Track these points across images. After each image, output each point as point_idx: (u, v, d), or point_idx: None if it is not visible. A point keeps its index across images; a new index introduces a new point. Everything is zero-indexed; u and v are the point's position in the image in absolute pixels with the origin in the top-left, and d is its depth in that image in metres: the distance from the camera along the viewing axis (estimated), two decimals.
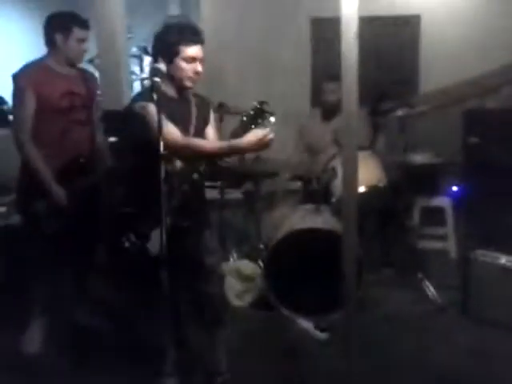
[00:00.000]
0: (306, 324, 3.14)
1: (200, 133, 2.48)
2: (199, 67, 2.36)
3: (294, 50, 5.37)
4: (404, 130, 3.64)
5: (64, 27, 2.82)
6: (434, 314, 3.27)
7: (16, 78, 2.82)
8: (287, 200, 3.89)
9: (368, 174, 3.43)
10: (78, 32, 2.83)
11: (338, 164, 3.39)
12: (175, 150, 2.25)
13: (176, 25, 2.44)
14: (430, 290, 3.42)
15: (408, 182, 3.68)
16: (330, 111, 3.97)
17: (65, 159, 2.86)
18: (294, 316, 3.20)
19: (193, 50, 2.32)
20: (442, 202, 4.14)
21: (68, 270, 3.04)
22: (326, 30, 5.08)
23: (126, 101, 5.89)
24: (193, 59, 2.33)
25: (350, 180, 1.97)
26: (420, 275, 3.52)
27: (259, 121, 2.24)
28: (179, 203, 2.30)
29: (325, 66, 5.01)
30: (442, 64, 5.00)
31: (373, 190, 3.40)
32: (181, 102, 2.43)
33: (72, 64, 2.93)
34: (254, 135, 2.22)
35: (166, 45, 2.32)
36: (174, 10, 9.38)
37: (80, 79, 2.98)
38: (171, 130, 2.26)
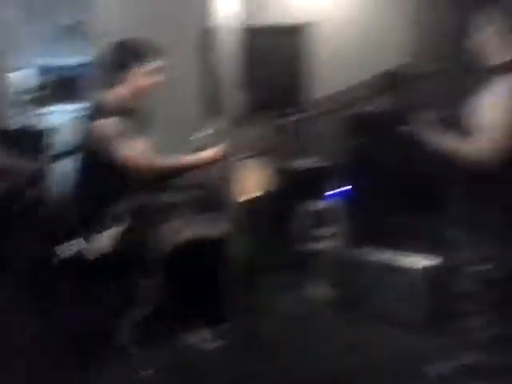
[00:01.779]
0: (199, 334, 3.14)
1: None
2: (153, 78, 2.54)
3: (184, 59, 5.38)
4: (293, 136, 3.75)
5: None
6: (324, 312, 3.39)
7: None
8: (183, 210, 3.87)
9: (259, 180, 3.50)
10: None
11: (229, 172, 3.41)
12: (138, 172, 2.48)
13: (136, 39, 2.58)
14: (318, 290, 3.54)
15: (297, 186, 3.80)
16: (238, 119, 4.04)
17: None
18: (188, 326, 3.18)
19: (151, 65, 2.52)
20: (330, 203, 4.29)
21: None
22: (213, 39, 5.16)
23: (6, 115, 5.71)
24: (156, 70, 2.55)
25: (234, 187, 2.01)
26: (310, 276, 3.64)
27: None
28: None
29: (214, 75, 5.07)
30: (330, 71, 5.22)
31: (263, 195, 3.47)
32: (130, 112, 2.56)
33: None
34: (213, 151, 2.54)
35: (122, 61, 2.48)
36: (67, 20, 9.10)
37: None
38: (134, 150, 2.44)
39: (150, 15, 5.37)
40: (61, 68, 8.15)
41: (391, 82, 4.08)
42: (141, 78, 2.52)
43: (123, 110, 2.50)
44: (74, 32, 8.84)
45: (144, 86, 2.55)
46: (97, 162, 2.48)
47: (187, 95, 5.36)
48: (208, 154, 2.56)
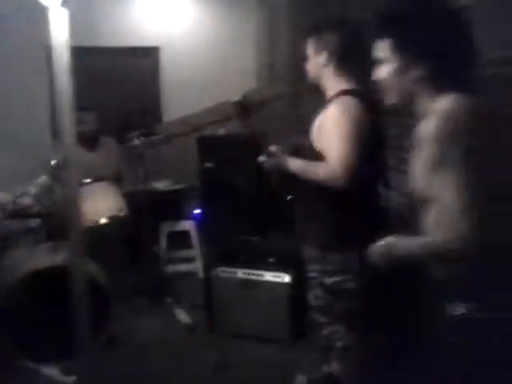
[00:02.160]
0: (50, 371, 2.93)
1: None
2: None
3: (31, 80, 5.09)
4: (143, 159, 3.71)
5: None
6: (185, 335, 3.37)
7: None
8: (24, 240, 3.61)
9: (108, 204, 3.40)
10: None
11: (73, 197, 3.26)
12: None
13: None
14: (180, 312, 3.51)
15: (151, 209, 3.75)
16: (85, 141, 3.89)
17: None
18: (38, 365, 2.95)
19: None
20: (186, 225, 4.32)
21: None
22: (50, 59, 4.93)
23: None
24: None
25: (73, 213, 1.89)
26: (170, 299, 3.59)
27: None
28: None
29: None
30: (182, 94, 5.26)
31: (114, 220, 3.38)
32: None
33: None
34: None
35: None
36: None
37: None
38: None
39: None
40: None
41: (238, 108, 4.20)
42: None
43: None
44: None
45: None
46: None
47: (35, 117, 5.07)
48: None
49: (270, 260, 3.32)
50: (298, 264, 3.12)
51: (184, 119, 5.00)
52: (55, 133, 5.01)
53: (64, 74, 1.79)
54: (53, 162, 2.66)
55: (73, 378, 2.85)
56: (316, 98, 2.48)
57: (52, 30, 1.71)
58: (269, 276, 3.23)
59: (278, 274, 3.22)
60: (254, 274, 3.26)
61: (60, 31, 1.74)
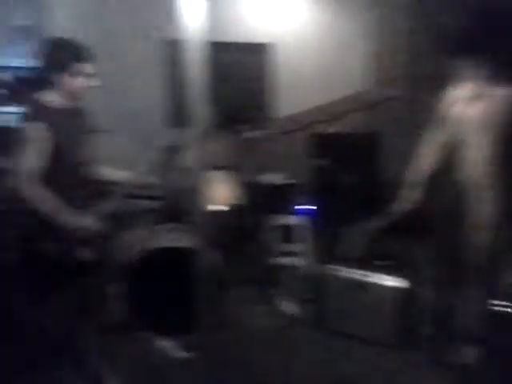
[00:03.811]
0: (166, 345, 3.08)
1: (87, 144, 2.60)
2: (90, 81, 2.51)
3: (150, 70, 5.35)
4: (257, 152, 3.78)
5: None
6: (289, 327, 3.40)
7: None
8: (145, 219, 3.81)
9: (225, 193, 3.50)
10: None
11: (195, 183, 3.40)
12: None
13: (69, 40, 2.50)
14: (285, 304, 3.56)
15: (263, 201, 3.82)
16: (205, 133, 4.04)
17: None
18: (154, 337, 3.12)
19: (87, 66, 2.48)
20: (295, 220, 4.35)
21: None
22: (180, 52, 5.16)
23: None
24: (87, 73, 2.48)
25: (200, 199, 1.99)
26: (275, 291, 3.65)
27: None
28: None
29: (180, 87, 5.07)
30: (293, 91, 5.31)
31: (230, 209, 3.48)
32: (69, 113, 2.49)
33: None
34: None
35: (64, 59, 2.42)
36: (21, 21, 8.85)
37: None
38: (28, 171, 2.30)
39: (116, 26, 5.30)
40: (13, 69, 7.88)
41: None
42: (76, 79, 2.47)
43: (58, 112, 2.46)
44: (26, 33, 8.61)
45: (79, 87, 2.50)
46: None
47: (151, 106, 5.32)
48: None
49: (381, 262, 3.28)
50: (410, 268, 3.07)
51: (295, 116, 5.05)
52: (174, 122, 5.22)
53: (198, 67, 1.88)
54: (165, 145, 2.78)
55: (186, 354, 2.99)
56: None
57: (186, 24, 1.78)
58: (379, 278, 3.19)
59: (388, 276, 3.17)
60: (363, 275, 3.24)
61: (196, 26, 1.83)
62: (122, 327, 3.12)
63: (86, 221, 2.48)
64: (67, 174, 2.47)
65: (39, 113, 2.40)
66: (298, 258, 4.36)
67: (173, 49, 5.20)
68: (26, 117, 2.39)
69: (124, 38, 5.28)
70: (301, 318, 3.46)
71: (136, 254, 3.19)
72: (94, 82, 2.53)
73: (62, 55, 2.44)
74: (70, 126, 2.48)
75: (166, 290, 3.14)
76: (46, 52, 2.46)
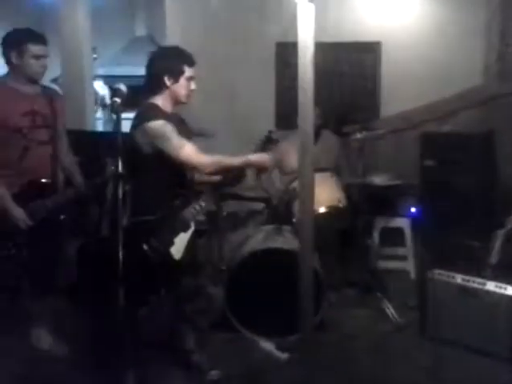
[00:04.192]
0: (267, 345, 3.14)
1: None
2: (193, 85, 2.66)
3: (259, 73, 5.47)
4: (363, 153, 3.73)
5: (18, 44, 2.79)
6: (394, 333, 3.32)
7: None
8: (249, 221, 3.91)
9: (328, 195, 3.50)
10: (33, 48, 2.79)
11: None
12: (199, 168, 2.59)
13: (175, 48, 2.71)
14: (390, 309, 3.47)
15: (368, 203, 3.76)
16: None
17: (25, 180, 2.82)
18: (256, 337, 3.19)
19: (192, 71, 2.64)
20: (401, 222, 4.23)
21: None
22: (290, 54, 5.22)
23: (90, 120, 5.95)
24: (191, 78, 2.63)
25: (306, 201, 1.99)
26: (380, 295, 3.58)
27: (269, 146, 2.80)
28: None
29: (289, 89, 5.13)
30: (402, 89, 5.16)
31: (333, 211, 3.47)
32: (174, 119, 2.63)
33: (32, 81, 2.89)
34: (263, 155, 2.69)
35: (173, 64, 2.60)
36: (141, 31, 9.46)
37: (43, 97, 2.94)
38: (194, 149, 2.55)
39: (228, 29, 5.48)
40: (133, 77, 8.44)
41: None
42: (179, 85, 2.62)
43: (166, 114, 2.61)
44: (145, 43, 9.18)
45: (182, 93, 2.64)
46: (155, 165, 2.56)
47: (261, 109, 5.44)
48: (257, 157, 2.68)
49: (493, 268, 3.09)
50: None
51: (403, 115, 4.91)
52: (280, 124, 5.29)
53: (307, 70, 1.89)
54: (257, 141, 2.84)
55: (286, 355, 3.02)
56: None
57: (298, 26, 1.80)
58: (491, 285, 3.01)
59: (501, 284, 2.98)
60: (474, 282, 3.07)
61: (305, 28, 1.84)
62: (226, 327, 3.23)
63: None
64: (171, 174, 2.62)
65: (155, 112, 2.57)
66: (405, 261, 4.24)
67: (283, 51, 5.31)
68: (144, 118, 2.56)
69: (234, 44, 5.46)
70: (405, 325, 3.35)
71: (242, 255, 3.29)
72: (194, 86, 2.67)
73: (175, 60, 2.61)
74: (177, 129, 2.62)
75: (270, 290, 3.19)
76: (159, 59, 2.64)
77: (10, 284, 2.84)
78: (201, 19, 5.58)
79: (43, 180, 2.90)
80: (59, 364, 2.90)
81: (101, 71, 8.53)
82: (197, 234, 2.68)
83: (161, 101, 2.63)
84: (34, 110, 2.86)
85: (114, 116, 2.15)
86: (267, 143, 2.83)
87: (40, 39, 2.85)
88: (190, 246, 2.62)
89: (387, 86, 5.30)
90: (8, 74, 2.87)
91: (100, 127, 7.84)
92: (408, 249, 4.22)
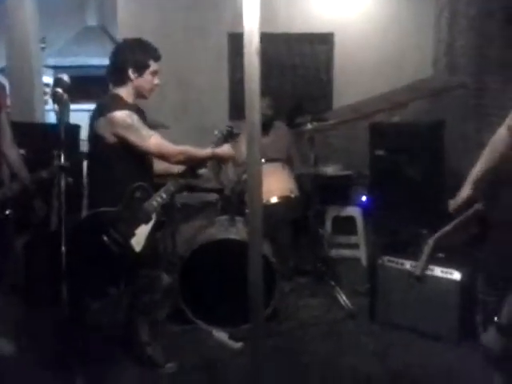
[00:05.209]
0: (221, 335, 3.15)
1: None
2: (157, 80, 2.68)
3: (212, 64, 5.44)
4: (314, 143, 3.76)
5: None
6: (345, 319, 3.38)
7: None
8: (203, 212, 3.90)
9: (280, 185, 3.52)
10: None
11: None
12: (168, 157, 2.59)
13: (141, 41, 2.67)
14: (342, 297, 3.54)
15: (320, 193, 3.80)
16: (261, 125, 4.06)
17: None
18: (209, 328, 3.20)
19: (157, 66, 2.65)
20: (353, 211, 4.31)
21: None
22: (242, 44, 5.19)
23: (39, 112, 5.78)
24: (156, 73, 2.66)
25: (255, 190, 1.99)
26: (332, 283, 3.64)
27: (229, 140, 2.90)
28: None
29: (242, 80, 5.12)
30: (354, 80, 5.24)
31: (284, 201, 3.50)
32: (135, 109, 2.63)
33: None
34: (228, 148, 2.77)
35: (139, 58, 2.59)
36: (92, 21, 9.24)
37: None
38: (160, 138, 2.57)
39: (178, 21, 5.42)
40: (84, 67, 8.27)
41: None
42: (149, 77, 2.63)
43: (129, 106, 2.60)
44: (97, 33, 8.99)
45: (146, 87, 2.65)
46: (118, 155, 2.54)
47: (215, 100, 5.42)
48: (223, 149, 2.76)
49: (440, 255, 3.18)
50: (470, 261, 2.97)
51: (355, 106, 4.98)
52: (234, 115, 5.29)
53: (253, 60, 1.88)
54: (217, 134, 2.86)
55: (240, 345, 3.04)
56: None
57: (244, 16, 1.80)
58: (438, 271, 3.10)
59: (448, 269, 3.08)
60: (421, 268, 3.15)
61: (251, 17, 1.84)
62: (179, 318, 3.22)
63: None
64: (133, 165, 2.60)
65: (119, 104, 2.55)
66: (356, 249, 4.33)
67: (235, 41, 5.28)
68: (106, 109, 2.52)
69: (187, 35, 5.40)
70: (357, 311, 3.42)
71: (195, 246, 3.28)
72: (158, 81, 2.68)
73: (141, 54, 2.60)
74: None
75: (223, 281, 3.20)
76: (125, 52, 2.61)
77: None
78: (152, 8, 5.50)
79: None
80: (8, 362, 2.84)
81: (51, 61, 8.30)
82: (157, 226, 2.65)
83: (124, 93, 2.63)
84: None
85: (57, 107, 2.10)
86: (228, 137, 2.88)
87: None
88: (151, 237, 2.60)
89: (340, 78, 5.38)
90: None
91: (53, 119, 7.63)
92: (359, 237, 4.31)
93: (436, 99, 4.74)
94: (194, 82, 5.43)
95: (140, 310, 2.79)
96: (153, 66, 2.63)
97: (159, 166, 2.79)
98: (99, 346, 2.98)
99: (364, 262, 4.27)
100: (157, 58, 2.65)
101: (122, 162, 2.56)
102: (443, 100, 4.61)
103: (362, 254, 4.31)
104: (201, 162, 2.76)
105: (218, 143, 2.80)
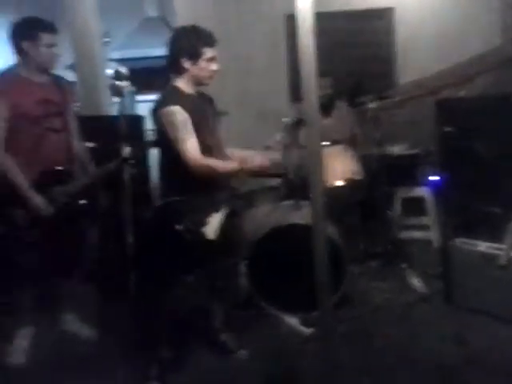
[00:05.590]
0: (292, 321, 3.14)
1: (217, 128, 2.70)
2: (215, 66, 2.60)
3: (270, 46, 5.39)
4: (378, 122, 3.66)
5: (30, 34, 2.79)
6: (418, 303, 3.29)
7: None
8: (267, 197, 3.90)
9: (344, 168, 3.46)
10: (45, 37, 2.80)
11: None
12: (192, 166, 2.47)
13: (193, 28, 2.61)
14: (414, 279, 3.45)
15: (386, 174, 3.71)
16: (322, 106, 3.99)
17: (41, 167, 2.84)
18: (280, 313, 3.20)
19: (213, 51, 2.58)
20: (422, 191, 4.17)
21: (52, 277, 3.03)
22: (294, 26, 5.08)
23: (105, 105, 5.95)
24: (212, 59, 2.58)
25: (316, 173, 1.94)
26: (404, 265, 3.55)
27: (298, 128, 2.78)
28: None
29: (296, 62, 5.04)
30: (417, 56, 5.05)
31: (349, 184, 3.44)
32: (199, 99, 2.62)
33: (44, 70, 2.90)
34: (259, 158, 2.57)
35: (191, 46, 2.54)
36: (152, 12, 9.36)
37: (54, 86, 2.95)
38: (194, 146, 2.47)
39: (234, 6, 5.40)
40: (147, 59, 8.40)
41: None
42: (199, 67, 2.58)
43: (188, 97, 2.58)
44: (157, 24, 9.10)
45: (202, 75, 2.60)
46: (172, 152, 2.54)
47: (274, 84, 5.37)
48: (252, 161, 2.59)
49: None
50: None
51: (420, 82, 4.80)
52: (294, 97, 5.23)
53: (308, 40, 1.83)
54: (286, 121, 2.78)
55: (311, 330, 3.03)
56: None
57: None
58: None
59: None
60: (498, 249, 3.03)
61: None
62: (250, 304, 3.25)
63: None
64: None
65: (175, 97, 2.55)
66: (425, 231, 4.20)
67: (291, 24, 5.20)
68: (162, 102, 2.54)
69: (244, 19, 5.37)
70: (430, 294, 3.33)
71: (262, 231, 3.28)
72: (217, 67, 2.63)
73: (194, 42, 2.55)
74: (200, 111, 2.60)
75: (292, 266, 3.19)
76: (177, 41, 2.59)
77: (34, 271, 2.88)
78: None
79: (58, 167, 2.92)
80: (86, 347, 2.96)
81: (115, 55, 8.48)
82: (230, 214, 2.65)
83: (182, 83, 2.61)
84: (47, 98, 2.87)
85: (117, 99, 2.14)
86: (297, 125, 2.80)
87: (51, 28, 2.86)
88: (225, 225, 2.57)
89: (402, 53, 5.19)
90: (19, 63, 2.87)
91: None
92: (430, 218, 4.17)
93: (504, 71, 4.49)
94: (252, 66, 5.40)
95: (215, 296, 2.83)
96: (208, 52, 2.56)
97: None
98: (174, 332, 3.04)
99: (435, 243, 4.14)
100: (211, 44, 2.58)
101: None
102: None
103: (433, 235, 4.17)
104: (228, 175, 2.68)
105: (286, 132, 2.72)
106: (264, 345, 2.94)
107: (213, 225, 2.56)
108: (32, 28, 2.81)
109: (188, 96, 2.58)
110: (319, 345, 2.73)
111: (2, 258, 3.09)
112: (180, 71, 2.59)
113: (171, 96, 2.56)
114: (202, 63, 2.56)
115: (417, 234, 4.23)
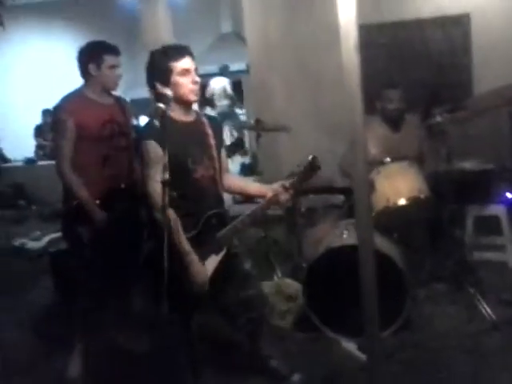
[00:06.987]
0: (349, 345, 3.01)
1: (219, 156, 2.51)
2: (196, 77, 2.43)
3: (339, 59, 5.27)
4: (447, 136, 3.45)
5: (95, 57, 2.91)
6: (489, 331, 3.04)
7: (56, 109, 2.95)
8: (328, 215, 3.79)
9: (408, 185, 3.29)
10: (109, 59, 2.92)
11: (375, 176, 3.27)
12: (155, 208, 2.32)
13: (159, 48, 2.51)
14: (484, 306, 3.19)
15: (456, 191, 3.48)
16: (391, 120, 3.85)
17: (106, 185, 2.93)
18: (337, 337, 3.08)
19: (183, 63, 2.41)
20: (496, 210, 3.87)
21: (112, 294, 3.10)
22: (375, 36, 4.96)
23: None
24: (186, 71, 2.41)
25: (362, 195, 1.85)
26: (472, 290, 3.30)
27: (312, 174, 2.45)
28: None
29: (376, 73, 4.90)
30: (495, 64, 4.75)
31: (414, 202, 3.25)
32: (194, 125, 2.52)
33: (108, 91, 3.01)
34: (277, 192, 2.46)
35: (158, 68, 2.43)
36: (226, 28, 9.55)
37: (117, 107, 3.06)
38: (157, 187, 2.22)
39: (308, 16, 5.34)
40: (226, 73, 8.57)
41: None
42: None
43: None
44: (232, 40, 9.26)
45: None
46: None
47: (344, 95, 5.24)
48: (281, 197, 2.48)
49: None
50: None
51: (497, 91, 4.49)
52: (365, 111, 5.07)
53: (352, 56, 1.76)
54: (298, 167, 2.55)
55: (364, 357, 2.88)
56: None
57: (339, 9, 1.67)
58: None
59: None
60: None
61: (347, 8, 1.70)
62: (308, 326, 3.14)
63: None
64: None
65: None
66: (500, 252, 3.89)
67: (363, 34, 5.03)
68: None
69: (313, 29, 5.30)
70: (503, 322, 3.06)
71: (320, 251, 3.18)
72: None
73: (160, 62, 2.46)
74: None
75: (351, 287, 3.05)
76: (148, 67, 2.51)
77: (92, 286, 2.95)
78: (279, 10, 5.50)
79: (122, 185, 3.00)
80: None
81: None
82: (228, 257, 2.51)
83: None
84: (112, 118, 2.98)
85: (158, 122, 2.16)
86: (310, 170, 2.48)
87: (114, 50, 2.98)
88: (221, 268, 2.45)
89: (479, 61, 4.90)
90: (85, 85, 2.99)
91: None
92: (506, 238, 3.86)
93: None
94: (322, 77, 5.32)
95: (239, 328, 2.75)
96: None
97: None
98: (220, 359, 2.99)
99: (511, 265, 3.83)
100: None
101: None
102: None
103: (508, 257, 3.86)
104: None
105: (301, 178, 2.48)
106: (319, 369, 2.85)
107: (207, 268, 2.40)
108: (97, 51, 2.93)
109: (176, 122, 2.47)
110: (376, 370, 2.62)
111: (66, 274, 3.22)
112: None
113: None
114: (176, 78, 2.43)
115: (490, 255, 3.91)
